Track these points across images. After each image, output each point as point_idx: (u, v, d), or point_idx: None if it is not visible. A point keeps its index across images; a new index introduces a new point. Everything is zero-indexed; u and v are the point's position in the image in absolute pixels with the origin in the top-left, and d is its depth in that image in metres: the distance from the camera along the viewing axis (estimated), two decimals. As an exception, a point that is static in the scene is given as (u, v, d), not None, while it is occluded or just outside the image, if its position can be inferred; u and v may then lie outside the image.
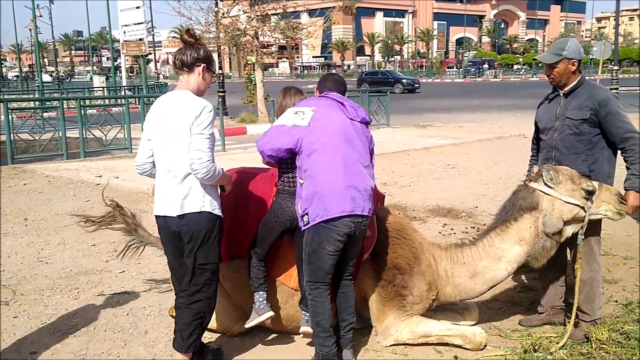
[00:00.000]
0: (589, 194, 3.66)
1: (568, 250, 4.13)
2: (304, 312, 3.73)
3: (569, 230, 3.78)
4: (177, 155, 3.27)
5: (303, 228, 3.48)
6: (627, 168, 3.79)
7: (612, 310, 4.33)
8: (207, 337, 3.98)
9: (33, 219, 7.31)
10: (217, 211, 3.39)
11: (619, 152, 3.85)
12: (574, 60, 3.81)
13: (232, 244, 3.87)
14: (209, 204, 3.32)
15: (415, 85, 42.55)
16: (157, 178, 3.44)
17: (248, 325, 3.75)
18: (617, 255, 5.71)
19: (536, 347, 3.67)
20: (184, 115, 3.25)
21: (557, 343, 3.76)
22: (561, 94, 3.94)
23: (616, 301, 4.57)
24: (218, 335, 4.06)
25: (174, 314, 4.20)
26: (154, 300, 4.73)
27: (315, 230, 3.40)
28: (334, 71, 62.87)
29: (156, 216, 3.43)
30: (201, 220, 3.29)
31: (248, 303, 3.95)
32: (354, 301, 3.69)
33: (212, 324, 3.96)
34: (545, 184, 3.70)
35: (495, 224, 3.94)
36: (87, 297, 4.84)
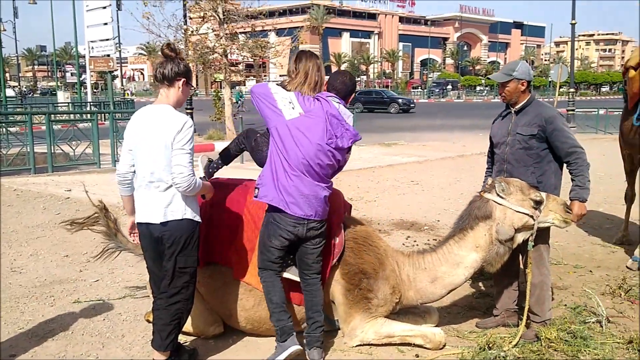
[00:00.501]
0: (537, 204, 4.00)
1: (520, 257, 4.47)
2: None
3: (519, 238, 4.11)
4: (158, 168, 3.48)
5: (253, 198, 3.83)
6: (572, 180, 4.16)
7: (561, 313, 4.66)
8: (182, 340, 4.16)
9: (4, 231, 7.34)
10: (197, 218, 3.61)
11: (565, 165, 4.23)
12: (523, 81, 4.19)
13: (207, 251, 4.09)
14: (190, 212, 3.54)
15: (411, 106, 41.25)
16: (137, 188, 3.63)
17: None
18: (568, 265, 6.10)
19: (490, 346, 3.96)
20: (165, 130, 3.45)
21: (510, 342, 4.08)
22: (513, 112, 4.31)
23: (565, 305, 4.91)
24: (193, 338, 4.25)
25: (149, 319, 4.41)
26: (129, 307, 4.89)
27: (267, 223, 3.79)
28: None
29: (138, 223, 3.62)
30: (182, 226, 3.51)
31: (222, 307, 4.18)
32: (323, 303, 3.94)
33: (188, 327, 4.16)
34: (498, 195, 4.04)
35: (454, 232, 4.25)
36: (63, 304, 4.96)
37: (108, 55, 22.71)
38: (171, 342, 3.60)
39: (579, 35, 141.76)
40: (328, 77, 4.00)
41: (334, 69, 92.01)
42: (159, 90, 3.62)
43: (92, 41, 22.38)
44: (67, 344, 4.17)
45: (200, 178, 3.79)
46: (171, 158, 3.42)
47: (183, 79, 3.58)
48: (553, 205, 4.07)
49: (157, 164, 3.47)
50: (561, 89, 26.39)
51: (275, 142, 3.69)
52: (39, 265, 6.03)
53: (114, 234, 4.56)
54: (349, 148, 3.81)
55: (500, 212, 4.04)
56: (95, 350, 4.07)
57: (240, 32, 21.00)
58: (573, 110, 23.86)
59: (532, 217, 4.00)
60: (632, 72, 6.06)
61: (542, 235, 4.22)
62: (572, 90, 23.94)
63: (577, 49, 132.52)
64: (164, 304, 3.59)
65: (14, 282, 5.50)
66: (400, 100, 41.78)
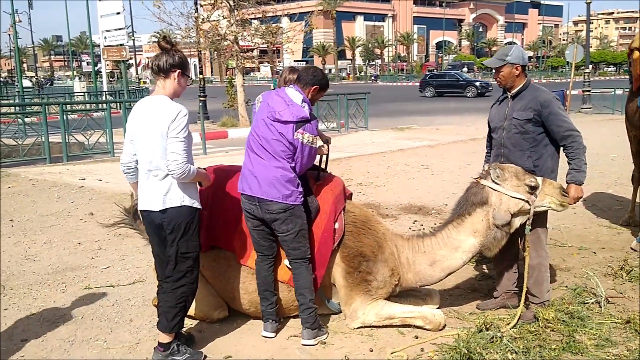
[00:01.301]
0: (533, 189, 4.04)
1: (519, 240, 4.51)
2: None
3: (517, 222, 4.16)
4: (156, 156, 3.59)
5: None
6: (569, 163, 4.19)
7: (562, 295, 4.72)
8: (187, 324, 4.29)
9: (19, 220, 7.55)
10: (196, 204, 3.71)
11: (561, 148, 4.25)
12: (517, 65, 4.20)
13: (210, 236, 4.21)
14: (189, 199, 3.65)
15: (489, 89, 37.17)
16: (139, 176, 3.76)
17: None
18: (573, 246, 6.12)
19: (488, 327, 4.02)
20: (160, 120, 3.55)
21: (509, 323, 4.14)
22: (509, 96, 4.34)
23: (566, 286, 4.96)
24: (197, 322, 4.37)
25: (156, 303, 4.53)
26: (138, 292, 5.03)
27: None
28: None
29: (141, 210, 3.75)
30: (181, 213, 3.62)
31: (226, 290, 4.30)
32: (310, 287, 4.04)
33: (193, 311, 4.28)
34: (493, 181, 4.09)
35: (452, 218, 4.33)
36: (74, 290, 5.12)
37: (121, 45, 22.91)
38: (176, 325, 3.72)
39: (598, 14, 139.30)
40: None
41: (348, 53, 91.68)
42: (156, 82, 3.72)
43: (106, 30, 22.58)
44: (76, 328, 4.32)
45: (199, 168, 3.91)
46: (166, 146, 3.52)
47: (178, 70, 3.66)
48: (549, 189, 4.10)
49: (154, 153, 3.58)
50: (579, 69, 26.10)
51: (250, 133, 4.09)
52: (52, 253, 6.20)
53: (133, 215, 4.69)
54: (302, 127, 3.87)
55: (496, 198, 4.09)
56: (104, 335, 4.21)
57: (252, 18, 21.03)
58: (589, 90, 23.60)
59: (527, 202, 4.04)
60: (636, 54, 6.03)
61: (540, 218, 4.26)
62: (587, 70, 23.62)
63: (596, 28, 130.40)
64: (169, 287, 3.71)
65: (28, 269, 5.68)
66: (477, 83, 38.04)
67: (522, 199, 4.04)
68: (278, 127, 3.86)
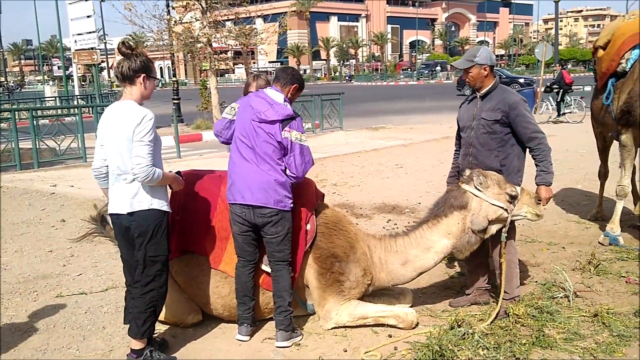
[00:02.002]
0: (512, 198, 4.13)
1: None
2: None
3: (492, 229, 4.24)
4: (123, 160, 3.60)
5: None
6: (536, 165, 4.28)
7: (532, 290, 4.81)
8: (160, 329, 4.28)
9: (-12, 229, 7.42)
10: (165, 207, 3.71)
11: (527, 150, 4.34)
12: (485, 66, 4.28)
13: (183, 240, 4.20)
14: (157, 202, 3.64)
15: (532, 85, 35.21)
16: (109, 180, 3.75)
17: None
18: (542, 242, 6.24)
19: (460, 324, 4.08)
20: (126, 124, 3.56)
21: (481, 320, 4.21)
22: (478, 96, 4.41)
23: (536, 282, 5.05)
24: (170, 327, 4.35)
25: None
26: (111, 299, 4.99)
27: (230, 212, 4.05)
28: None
29: (110, 214, 3.74)
30: (150, 216, 3.61)
31: (199, 295, 4.29)
32: (289, 290, 4.06)
33: (166, 316, 4.28)
34: (475, 187, 4.15)
35: (428, 218, 4.38)
36: (46, 299, 5.06)
37: (92, 48, 22.59)
38: (147, 330, 3.71)
39: (567, 12, 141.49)
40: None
41: (322, 54, 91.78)
42: (124, 89, 3.70)
43: (77, 34, 22.23)
44: (49, 337, 4.27)
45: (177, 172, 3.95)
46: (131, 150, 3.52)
47: (142, 75, 3.66)
48: (526, 199, 4.20)
49: (122, 157, 3.58)
50: (549, 67, 26.48)
51: (234, 140, 4.09)
52: (23, 262, 6.11)
53: (101, 222, 4.64)
54: (288, 125, 3.93)
55: (476, 204, 4.16)
56: (76, 343, 4.18)
57: (225, 20, 20.92)
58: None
59: (506, 210, 4.11)
60: (600, 52, 6.16)
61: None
62: (555, 68, 24.00)
63: (565, 26, 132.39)
64: (138, 292, 3.70)
65: (-2, 278, 5.59)
66: (521, 80, 35.90)
67: (502, 207, 4.11)
68: (265, 128, 3.88)
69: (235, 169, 3.97)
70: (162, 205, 3.68)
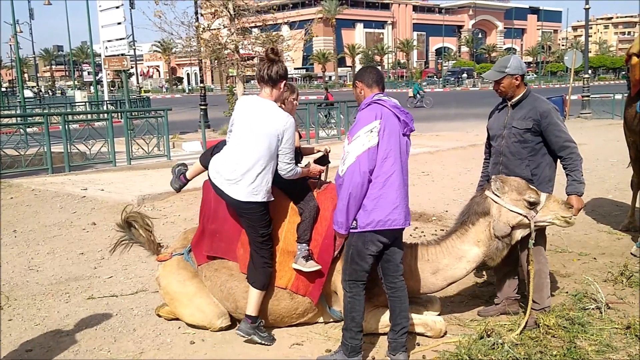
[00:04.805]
0: (532, 205, 4.05)
1: (519, 248, 4.52)
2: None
3: (518, 235, 4.17)
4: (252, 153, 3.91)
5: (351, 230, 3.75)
6: (567, 175, 4.21)
7: (563, 301, 4.74)
8: (191, 333, 4.33)
9: (22, 230, 7.59)
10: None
11: (559, 159, 4.29)
12: (516, 75, 4.24)
13: (213, 246, 4.25)
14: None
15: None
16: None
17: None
18: (573, 252, 6.15)
19: (489, 333, 4.05)
20: (270, 125, 3.88)
21: (510, 330, 4.17)
22: (509, 105, 4.37)
23: (567, 292, 4.98)
24: (197, 330, 4.39)
25: (159, 313, 4.59)
26: (141, 302, 5.06)
27: (362, 233, 3.72)
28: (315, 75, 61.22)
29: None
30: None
31: (227, 300, 4.32)
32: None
33: (195, 319, 4.33)
34: (493, 193, 4.12)
35: (456, 227, 4.34)
36: (77, 300, 5.15)
37: (122, 55, 22.98)
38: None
39: (597, 19, 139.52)
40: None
41: (348, 60, 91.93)
42: (261, 87, 4.01)
43: (107, 40, 22.64)
44: (80, 338, 4.35)
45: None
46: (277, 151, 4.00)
47: (285, 80, 4.04)
48: (553, 205, 4.09)
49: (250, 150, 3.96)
50: (578, 75, 26.17)
51: (386, 156, 3.73)
52: (55, 263, 6.23)
53: (127, 227, 4.72)
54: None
55: (496, 210, 4.12)
56: (108, 345, 4.24)
57: (252, 27, 21.10)
58: (588, 96, 23.66)
59: (526, 216, 4.06)
60: (634, 59, 6.07)
61: (540, 228, 4.27)
62: (586, 75, 23.69)
63: (595, 33, 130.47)
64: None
65: (31, 280, 5.71)
66: None
67: (520, 214, 4.06)
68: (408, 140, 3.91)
69: (401, 190, 3.80)
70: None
